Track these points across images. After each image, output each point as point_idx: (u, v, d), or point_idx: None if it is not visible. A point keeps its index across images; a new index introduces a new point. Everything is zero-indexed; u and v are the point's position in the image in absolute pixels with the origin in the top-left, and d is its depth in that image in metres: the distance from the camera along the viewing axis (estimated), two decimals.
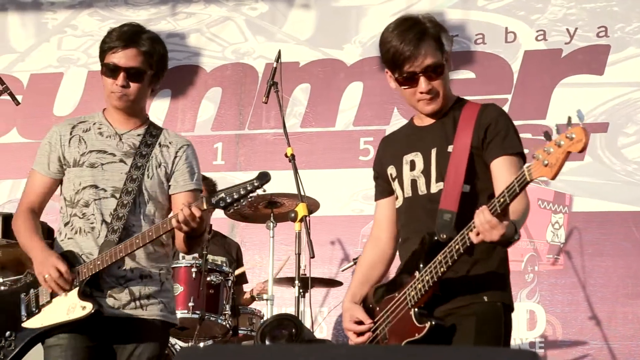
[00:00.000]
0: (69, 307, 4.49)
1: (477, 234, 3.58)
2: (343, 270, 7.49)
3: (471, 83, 8.27)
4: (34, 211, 4.95)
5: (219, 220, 7.16)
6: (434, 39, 3.97)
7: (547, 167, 3.48)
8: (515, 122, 8.26)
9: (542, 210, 7.94)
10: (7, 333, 4.60)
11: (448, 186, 3.91)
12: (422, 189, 4.02)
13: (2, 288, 4.97)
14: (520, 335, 7.87)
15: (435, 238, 3.84)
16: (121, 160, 4.68)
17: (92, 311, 4.41)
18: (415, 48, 3.92)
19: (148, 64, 4.66)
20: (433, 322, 3.81)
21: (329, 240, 8.09)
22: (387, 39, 4.02)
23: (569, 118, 3.35)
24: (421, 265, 3.84)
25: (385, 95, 8.15)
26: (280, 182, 6.20)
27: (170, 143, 4.75)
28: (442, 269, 3.76)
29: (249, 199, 4.40)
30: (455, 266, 3.77)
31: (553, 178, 3.50)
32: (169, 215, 4.59)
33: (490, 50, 8.39)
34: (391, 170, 4.13)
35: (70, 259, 4.61)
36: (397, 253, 4.16)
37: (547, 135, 3.47)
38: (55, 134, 4.88)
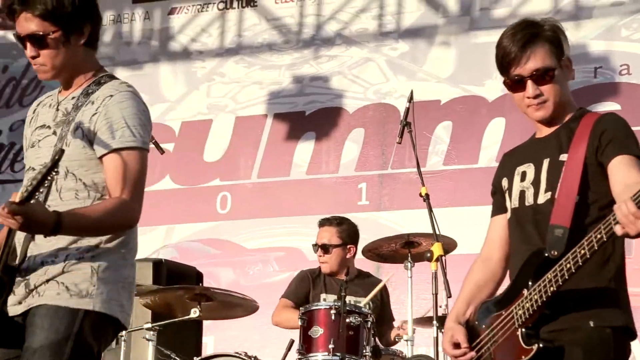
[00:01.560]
0: None
1: (622, 227, 3.32)
2: None
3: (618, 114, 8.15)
4: None
5: (364, 261, 7.19)
6: (548, 41, 3.83)
7: None
8: None
9: None
10: None
11: (560, 199, 3.73)
12: (529, 199, 3.85)
13: None
14: None
15: (546, 254, 3.67)
16: (54, 132, 4.00)
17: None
18: (523, 49, 3.79)
19: (51, 20, 3.92)
20: (541, 345, 3.63)
21: None
22: (500, 41, 3.89)
23: None
24: (530, 283, 3.66)
25: (529, 130, 8.05)
26: (420, 222, 6.22)
27: (96, 98, 3.96)
28: (552, 288, 3.57)
29: (48, 182, 3.57)
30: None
31: None
32: None
33: (636, 80, 8.26)
34: (504, 183, 3.98)
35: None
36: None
37: None
38: (27, 117, 4.25)
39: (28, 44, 3.92)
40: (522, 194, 3.86)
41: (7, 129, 9.64)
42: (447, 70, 8.65)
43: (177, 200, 9.01)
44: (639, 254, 7.85)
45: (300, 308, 6.59)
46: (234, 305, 6.90)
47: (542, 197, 3.79)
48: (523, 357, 3.65)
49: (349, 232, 7.13)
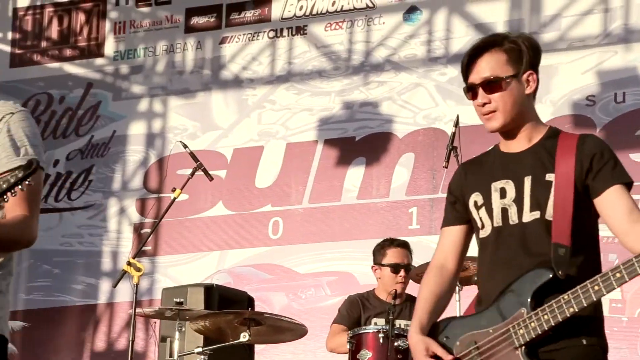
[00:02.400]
0: None
1: None
2: None
3: None
4: None
5: (412, 285, 7.18)
6: (506, 52, 3.78)
7: None
8: None
9: None
10: None
11: (557, 218, 3.67)
12: (513, 218, 3.76)
13: None
14: None
15: (551, 275, 3.61)
16: None
17: None
18: (478, 57, 3.78)
19: None
20: None
21: None
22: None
23: None
24: (529, 301, 3.62)
25: None
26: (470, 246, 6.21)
27: None
28: (571, 309, 3.53)
29: (13, 193, 3.41)
30: None
31: None
32: None
33: None
34: (476, 198, 3.86)
35: None
36: (477, 284, 3.91)
37: None
38: None
39: None
40: (504, 211, 3.79)
41: (64, 158, 9.74)
42: None
43: (229, 226, 9.07)
44: None
45: (349, 332, 6.60)
46: (283, 330, 6.91)
47: (529, 216, 3.74)
48: None
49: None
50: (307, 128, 9.14)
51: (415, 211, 8.56)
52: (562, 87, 8.49)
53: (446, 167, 6.83)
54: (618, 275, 3.48)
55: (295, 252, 8.89)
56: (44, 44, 10.08)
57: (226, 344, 6.77)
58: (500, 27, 8.71)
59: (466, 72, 3.83)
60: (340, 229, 8.77)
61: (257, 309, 7.78)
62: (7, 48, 10.14)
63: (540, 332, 3.60)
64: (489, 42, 3.81)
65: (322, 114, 9.11)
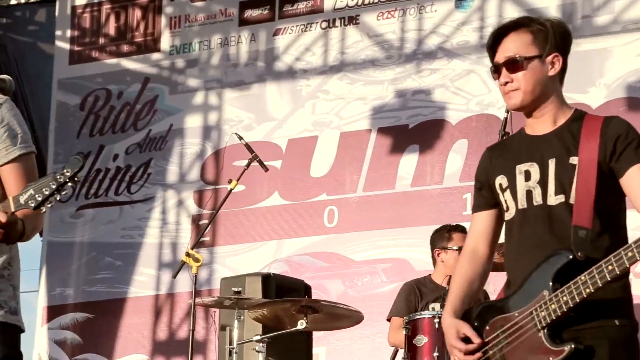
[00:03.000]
0: None
1: None
2: None
3: None
4: None
5: None
6: (531, 33, 3.79)
7: None
8: None
9: None
10: None
11: (579, 200, 3.68)
12: (537, 199, 3.78)
13: None
14: None
15: (571, 256, 3.63)
16: None
17: None
18: (501, 37, 3.81)
19: None
20: (573, 346, 3.60)
21: None
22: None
23: None
24: (551, 284, 3.64)
25: None
26: None
27: None
28: (587, 290, 3.56)
29: (64, 193, 3.57)
30: None
31: None
32: None
33: None
34: (501, 180, 3.88)
35: None
36: (505, 268, 3.90)
37: None
38: None
39: None
40: (529, 193, 3.80)
41: (123, 152, 9.82)
42: None
43: (285, 215, 9.12)
44: None
45: (405, 317, 6.62)
46: (340, 317, 6.96)
47: (554, 199, 3.75)
48: (552, 357, 3.63)
49: None
50: (360, 117, 9.15)
51: (469, 197, 8.52)
52: (616, 69, 8.44)
53: None
54: (630, 254, 3.50)
55: (350, 240, 8.91)
56: (101, 40, 10.17)
57: (284, 331, 6.84)
58: (553, 12, 8.66)
59: (493, 52, 3.84)
60: (394, 216, 8.78)
61: (314, 296, 7.83)
62: (67, 45, 10.23)
63: (560, 314, 3.62)
64: (516, 23, 3.83)
65: (375, 103, 9.12)
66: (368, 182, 8.98)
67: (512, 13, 8.78)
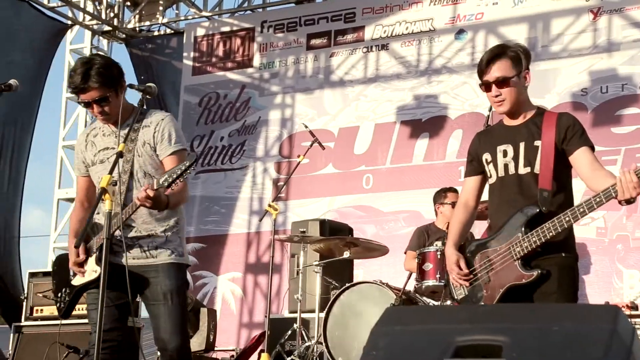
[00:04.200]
0: (91, 270, 4.03)
1: (622, 193, 3.37)
2: None
3: (637, 116, 7.90)
4: (82, 205, 4.25)
5: None
6: (510, 58, 3.78)
7: None
8: None
9: None
10: (63, 289, 4.21)
11: (543, 171, 3.69)
12: (511, 171, 3.77)
13: (63, 252, 4.43)
14: None
15: (537, 210, 3.63)
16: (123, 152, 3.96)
17: (98, 275, 3.81)
18: (491, 63, 3.78)
19: (107, 87, 3.96)
20: (539, 271, 3.63)
21: None
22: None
23: None
24: (523, 229, 3.63)
25: None
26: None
27: (150, 123, 4.05)
28: (550, 234, 3.58)
29: (185, 177, 3.73)
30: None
31: None
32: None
33: None
34: (486, 156, 3.86)
35: (96, 229, 4.09)
36: (489, 216, 3.89)
37: None
38: (77, 144, 4.28)
39: (94, 106, 3.98)
40: (506, 166, 3.79)
41: (227, 135, 9.78)
42: None
43: (337, 180, 9.04)
44: None
45: (417, 251, 6.56)
46: (372, 249, 6.90)
47: (523, 170, 3.75)
48: (524, 280, 3.64)
49: None
50: (388, 113, 9.04)
51: (463, 169, 8.41)
52: (564, 82, 8.30)
53: None
54: (581, 209, 3.54)
55: (380, 197, 8.82)
56: (213, 59, 10.12)
57: (334, 259, 6.80)
58: (522, 43, 8.43)
59: (482, 73, 3.82)
60: (411, 181, 8.68)
61: (355, 236, 7.77)
62: (190, 63, 10.20)
63: (530, 250, 3.64)
64: (498, 53, 3.82)
65: (399, 104, 9.00)
66: (394, 157, 8.87)
67: (493, 43, 8.57)
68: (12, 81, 4.22)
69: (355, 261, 7.56)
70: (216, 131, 9.81)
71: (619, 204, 3.50)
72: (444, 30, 8.93)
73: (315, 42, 9.54)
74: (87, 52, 10.58)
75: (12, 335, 6.97)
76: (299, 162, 7.57)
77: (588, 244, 7.59)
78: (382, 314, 2.35)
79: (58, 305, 4.24)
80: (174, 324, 3.98)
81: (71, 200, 10.04)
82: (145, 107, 4.09)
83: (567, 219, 3.56)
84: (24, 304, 6.94)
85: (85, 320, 5.10)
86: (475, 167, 3.97)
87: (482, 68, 3.81)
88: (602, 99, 8.07)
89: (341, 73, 9.35)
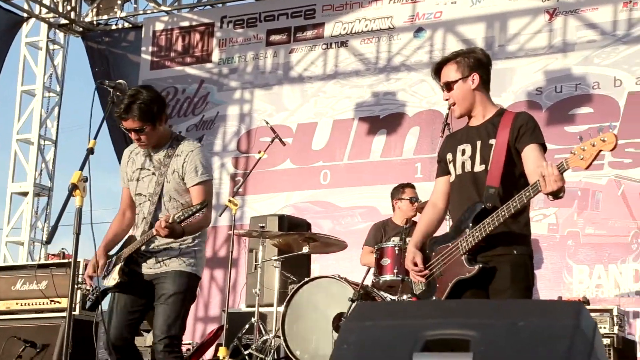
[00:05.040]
0: (113, 277, 4.45)
1: (544, 186, 3.40)
2: None
3: (590, 116, 8.00)
4: (124, 214, 4.70)
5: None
6: (456, 63, 3.87)
7: (582, 160, 3.39)
8: (623, 141, 7.98)
9: None
10: (95, 286, 4.58)
11: (492, 168, 3.74)
12: (468, 168, 3.84)
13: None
14: (629, 286, 7.55)
15: (482, 206, 3.69)
16: (153, 173, 4.49)
17: (116, 283, 4.41)
18: (438, 70, 3.91)
19: (145, 121, 4.37)
20: (480, 266, 3.68)
21: None
22: None
23: (600, 126, 3.27)
24: (470, 225, 3.69)
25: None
26: None
27: (181, 152, 4.44)
28: (489, 228, 3.63)
29: (197, 215, 4.22)
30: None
31: (586, 169, 3.43)
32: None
33: (604, 93, 8.05)
34: (449, 156, 3.93)
35: (129, 242, 4.55)
36: (450, 214, 3.98)
37: (581, 139, 3.42)
38: (122, 159, 4.73)
39: (133, 134, 4.40)
40: (462, 164, 3.86)
41: (185, 130, 9.72)
42: None
43: (295, 175, 9.06)
44: None
45: (375, 246, 6.59)
46: (331, 245, 6.94)
47: (478, 167, 3.81)
48: (467, 273, 3.70)
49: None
50: (347, 110, 9.07)
51: (420, 165, 8.52)
52: (520, 81, 8.38)
53: (442, 137, 6.70)
54: (514, 204, 3.59)
55: (338, 193, 8.85)
56: (172, 54, 10.06)
57: (293, 254, 6.82)
58: (479, 42, 8.61)
59: (435, 79, 3.97)
60: (368, 177, 8.72)
61: (312, 231, 7.79)
62: (148, 57, 10.14)
63: (473, 244, 3.69)
64: (447, 59, 3.95)
65: (357, 100, 9.03)
66: (351, 153, 8.90)
67: (452, 41, 8.73)
68: None
69: (312, 256, 7.58)
70: (174, 126, 9.72)
71: (547, 197, 3.53)
72: (403, 28, 8.98)
73: (274, 38, 9.53)
74: (42, 46, 10.44)
75: None
76: (260, 157, 7.56)
77: (540, 239, 7.71)
78: (353, 309, 2.37)
79: (87, 298, 4.66)
80: (164, 321, 4.32)
81: (24, 194, 9.92)
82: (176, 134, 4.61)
83: (502, 213, 3.61)
84: None
85: (42, 315, 5.72)
86: (443, 168, 4.03)
87: (432, 74, 3.97)
88: (556, 98, 8.19)
89: (300, 69, 9.35)
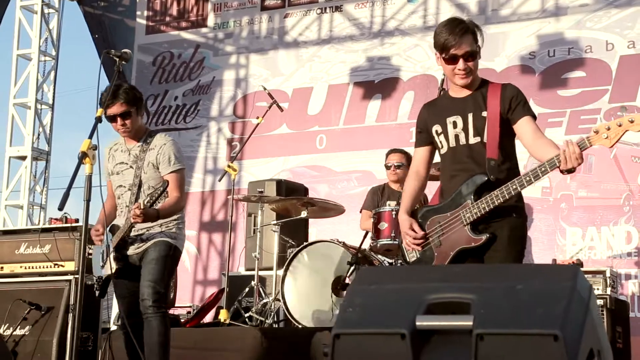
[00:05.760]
0: (111, 266, 4.81)
1: (565, 163, 3.49)
2: None
3: (583, 79, 8.06)
4: (113, 197, 5.05)
5: None
6: (472, 34, 3.86)
7: (607, 139, 3.48)
8: (615, 104, 8.02)
9: (634, 163, 7.71)
10: (98, 275, 4.93)
11: (489, 140, 3.78)
12: (462, 141, 3.85)
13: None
14: (621, 248, 7.68)
15: (486, 178, 3.75)
16: (131, 166, 4.91)
17: (116, 270, 4.79)
18: (460, 38, 3.81)
19: (131, 104, 4.81)
20: (488, 235, 3.74)
21: None
22: (440, 31, 3.88)
23: (623, 107, 3.33)
24: (472, 196, 3.74)
25: (525, 91, 8.02)
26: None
27: (155, 146, 4.88)
28: (498, 200, 3.69)
29: (166, 201, 4.59)
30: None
31: (611, 147, 3.53)
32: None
33: (596, 56, 8.10)
34: (436, 128, 3.93)
35: (114, 230, 4.92)
36: (441, 183, 4.00)
37: (624, 109, 3.51)
38: (103, 156, 5.07)
39: (118, 120, 4.78)
40: (456, 137, 3.87)
41: (181, 95, 9.78)
42: None
43: (291, 140, 9.11)
44: None
45: (372, 210, 6.66)
46: (328, 209, 7.02)
47: (473, 140, 3.84)
48: (473, 243, 3.76)
49: (408, 158, 7.08)
50: (342, 74, 9.11)
51: (414, 130, 8.51)
52: (513, 46, 8.42)
53: None
54: (527, 178, 3.66)
55: (334, 157, 8.92)
56: (167, 18, 10.06)
57: (291, 218, 6.90)
58: (473, 6, 8.66)
59: (448, 47, 3.82)
60: (364, 141, 8.78)
61: (310, 196, 7.87)
62: (144, 22, 10.14)
63: (479, 215, 3.75)
64: (464, 28, 3.86)
65: (352, 65, 9.07)
66: (347, 118, 8.97)
67: (445, 6, 8.76)
68: None
69: (309, 220, 7.66)
70: (170, 90, 9.80)
71: (561, 173, 3.62)
72: None
73: (269, 2, 9.53)
74: (37, 10, 10.42)
75: None
76: (258, 123, 7.62)
77: (533, 203, 7.82)
78: (357, 273, 2.47)
79: (101, 256, 4.97)
80: (151, 279, 4.68)
81: (22, 158, 9.97)
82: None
83: (514, 187, 3.68)
84: None
85: (46, 278, 5.97)
86: (424, 138, 4.04)
87: (452, 42, 3.81)
88: (549, 62, 8.25)
89: (295, 34, 9.38)
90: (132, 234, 4.84)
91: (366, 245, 6.49)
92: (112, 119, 4.81)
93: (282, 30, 9.44)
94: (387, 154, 7.15)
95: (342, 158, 8.87)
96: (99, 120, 4.15)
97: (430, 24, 8.74)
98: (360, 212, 7.14)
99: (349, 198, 8.23)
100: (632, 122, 3.43)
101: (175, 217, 4.87)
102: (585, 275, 6.02)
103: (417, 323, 2.37)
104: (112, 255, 4.83)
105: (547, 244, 7.91)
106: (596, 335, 2.41)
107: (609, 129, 3.47)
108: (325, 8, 9.29)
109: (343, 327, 2.41)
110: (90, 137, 3.91)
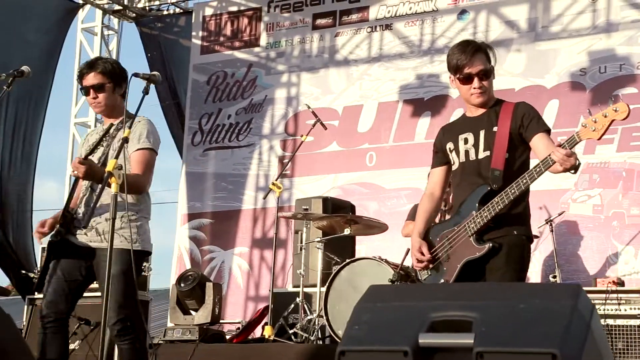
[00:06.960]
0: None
1: (560, 164, 3.56)
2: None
3: (634, 96, 7.94)
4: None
5: None
6: (484, 53, 3.97)
7: (594, 132, 3.56)
8: None
9: None
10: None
11: (496, 153, 3.86)
12: (472, 156, 3.96)
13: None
14: None
15: (488, 188, 3.81)
16: (101, 145, 4.47)
17: (49, 241, 4.36)
18: (472, 57, 3.92)
19: (106, 77, 4.45)
20: (491, 245, 3.80)
21: None
22: (452, 54, 3.99)
23: (612, 96, 3.37)
24: (477, 206, 3.81)
25: (575, 107, 7.99)
26: None
27: (129, 125, 4.31)
28: (499, 207, 3.76)
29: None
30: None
31: (599, 139, 3.60)
32: None
33: None
34: (449, 145, 4.04)
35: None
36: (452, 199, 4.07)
37: (590, 112, 3.63)
38: (81, 141, 4.83)
39: (91, 91, 4.47)
40: (466, 152, 3.98)
41: (234, 113, 9.94)
42: (519, 68, 8.57)
43: (341, 157, 9.19)
44: None
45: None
46: (372, 227, 7.09)
47: (482, 154, 3.94)
48: (477, 253, 3.83)
49: None
50: (392, 92, 9.17)
51: None
52: (563, 63, 8.39)
53: None
54: (524, 180, 3.73)
55: (383, 175, 8.97)
56: (221, 38, 10.26)
57: (336, 235, 6.98)
58: (523, 23, 8.64)
59: (462, 67, 3.95)
60: (413, 158, 8.81)
61: (357, 213, 7.93)
62: (199, 42, 10.35)
63: (483, 224, 3.82)
64: (476, 48, 4.00)
65: (402, 83, 9.12)
66: (396, 135, 9.02)
67: (495, 23, 8.77)
68: (25, 68, 4.47)
69: (358, 237, 7.74)
70: (224, 109, 9.98)
71: (569, 172, 3.68)
72: (446, 10, 9.05)
73: (320, 22, 9.66)
74: (98, 31, 10.76)
75: (25, 307, 7.20)
76: (302, 141, 7.73)
77: (584, 220, 7.75)
78: (366, 291, 2.55)
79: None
80: (115, 302, 4.20)
81: None
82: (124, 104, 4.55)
83: (512, 190, 3.75)
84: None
85: (94, 294, 5.70)
86: (440, 158, 4.15)
87: (464, 62, 3.94)
88: (600, 79, 8.19)
89: (346, 52, 9.47)
90: (85, 215, 4.35)
91: (409, 262, 6.52)
92: (86, 91, 4.49)
93: (333, 48, 9.55)
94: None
95: (391, 175, 8.92)
96: (125, 141, 4.12)
97: (480, 40, 8.73)
98: (405, 222, 7.21)
99: (398, 215, 8.25)
100: (616, 111, 3.50)
101: (132, 213, 4.33)
102: (625, 295, 5.93)
103: (420, 341, 2.43)
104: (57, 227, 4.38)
105: (598, 262, 7.82)
106: (598, 355, 2.44)
107: (595, 121, 3.54)
108: (376, 26, 9.37)
109: (348, 344, 2.49)
110: (116, 157, 3.99)
